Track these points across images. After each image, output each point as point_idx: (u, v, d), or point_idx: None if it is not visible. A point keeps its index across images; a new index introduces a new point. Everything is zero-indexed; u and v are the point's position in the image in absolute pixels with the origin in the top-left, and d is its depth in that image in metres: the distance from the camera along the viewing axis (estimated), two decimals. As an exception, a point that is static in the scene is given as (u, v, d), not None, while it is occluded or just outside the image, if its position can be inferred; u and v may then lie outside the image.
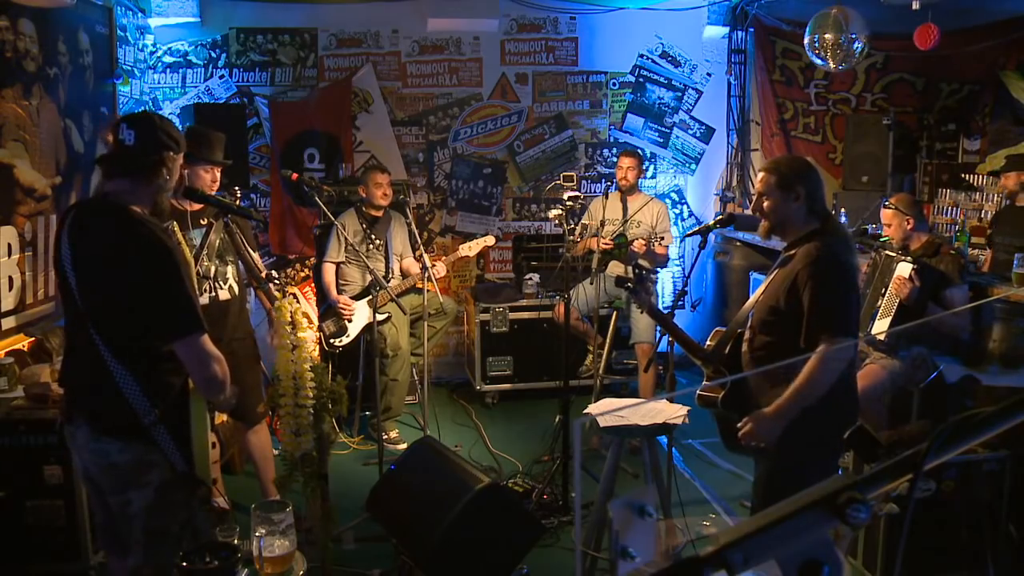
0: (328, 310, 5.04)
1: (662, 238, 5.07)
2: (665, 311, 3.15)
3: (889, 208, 4.05)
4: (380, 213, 5.14)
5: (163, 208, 2.44)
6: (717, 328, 3.00)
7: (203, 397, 2.40)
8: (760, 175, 2.74)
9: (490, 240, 5.22)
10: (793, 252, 2.65)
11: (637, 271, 3.14)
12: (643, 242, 4.90)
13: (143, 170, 2.34)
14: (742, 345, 2.78)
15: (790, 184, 2.63)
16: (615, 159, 5.79)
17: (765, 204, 2.68)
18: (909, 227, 4.00)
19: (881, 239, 4.23)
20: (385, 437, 4.98)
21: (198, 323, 2.25)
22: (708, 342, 2.96)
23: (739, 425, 2.63)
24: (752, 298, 2.85)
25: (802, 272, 2.55)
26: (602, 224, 5.22)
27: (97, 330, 2.25)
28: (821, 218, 2.66)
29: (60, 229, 2.35)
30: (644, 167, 5.22)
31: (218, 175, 3.62)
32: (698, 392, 2.86)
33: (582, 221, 5.26)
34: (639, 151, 5.42)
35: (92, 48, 4.74)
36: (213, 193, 3.56)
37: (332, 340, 4.98)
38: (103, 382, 2.24)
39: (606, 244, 4.92)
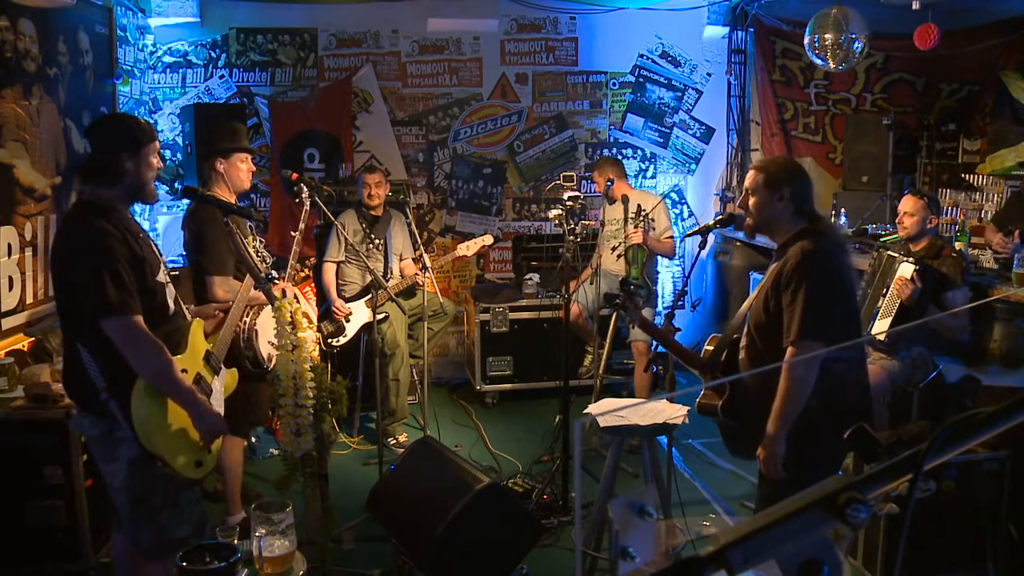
0: (327, 311, 5.05)
1: (652, 220, 5.01)
2: (665, 311, 3.15)
3: (920, 199, 3.97)
4: (380, 212, 5.13)
5: (144, 197, 2.56)
6: (713, 334, 2.99)
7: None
8: (749, 173, 2.74)
9: (488, 239, 5.19)
10: (785, 252, 2.63)
11: (626, 287, 3.15)
12: (633, 230, 4.84)
13: (102, 176, 2.47)
14: (739, 352, 2.77)
15: (777, 184, 2.62)
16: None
17: (751, 202, 2.68)
18: (931, 225, 3.97)
19: (887, 237, 4.21)
20: (394, 441, 4.98)
21: (116, 305, 2.34)
22: (706, 347, 2.95)
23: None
24: (747, 302, 2.84)
25: (787, 269, 2.53)
26: (602, 225, 5.23)
27: (61, 317, 2.52)
28: (809, 219, 2.64)
29: None
30: (620, 168, 5.19)
31: (252, 164, 3.75)
32: (697, 400, 2.86)
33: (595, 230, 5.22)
34: (605, 158, 5.39)
35: (92, 48, 4.74)
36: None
37: (330, 340, 4.98)
38: (72, 361, 2.47)
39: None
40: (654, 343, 4.88)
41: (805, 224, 2.63)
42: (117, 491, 2.50)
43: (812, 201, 2.67)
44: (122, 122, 2.61)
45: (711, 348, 2.91)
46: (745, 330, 2.73)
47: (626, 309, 3.08)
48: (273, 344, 3.00)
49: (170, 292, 2.60)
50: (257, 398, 3.62)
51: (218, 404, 2.75)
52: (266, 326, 3.48)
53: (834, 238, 2.68)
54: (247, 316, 3.53)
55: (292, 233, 3.73)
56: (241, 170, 3.64)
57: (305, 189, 3.88)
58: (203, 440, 2.57)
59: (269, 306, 3.09)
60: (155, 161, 2.53)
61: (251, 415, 3.64)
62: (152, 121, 5.66)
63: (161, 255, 2.64)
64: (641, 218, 4.86)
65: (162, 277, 2.57)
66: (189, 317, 2.75)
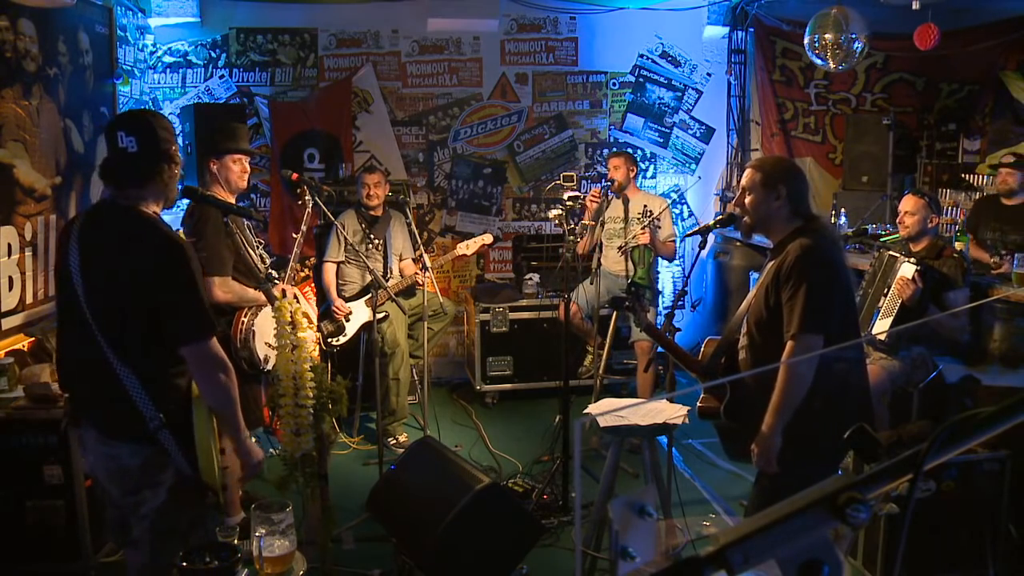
0: (327, 310, 5.05)
1: (658, 219, 5.01)
2: (665, 311, 3.15)
3: (921, 199, 3.97)
4: (379, 212, 5.13)
5: (172, 200, 2.45)
6: (709, 338, 2.99)
7: (207, 406, 2.36)
8: (746, 171, 2.74)
9: (488, 238, 5.20)
10: (782, 250, 2.63)
11: (633, 289, 3.16)
12: (641, 231, 4.85)
13: (153, 175, 2.32)
14: (738, 353, 2.77)
15: (773, 183, 2.62)
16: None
17: (747, 200, 2.68)
18: (931, 225, 3.98)
19: (888, 237, 4.21)
20: (394, 441, 4.97)
21: (209, 327, 2.25)
22: (703, 350, 2.95)
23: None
24: (744, 303, 2.84)
25: (787, 265, 2.54)
26: (602, 224, 5.22)
27: (104, 335, 2.23)
28: (805, 218, 2.65)
29: (66, 236, 2.32)
30: (636, 165, 5.21)
31: (247, 165, 3.70)
32: (698, 404, 2.85)
33: (582, 221, 5.23)
34: (626, 151, 5.43)
35: (92, 48, 4.74)
36: (243, 184, 3.69)
37: (330, 339, 4.98)
38: (110, 386, 2.23)
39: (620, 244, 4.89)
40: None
41: (801, 223, 2.63)
42: (143, 518, 2.33)
43: (808, 200, 2.68)
44: (164, 117, 2.44)
45: (708, 351, 2.90)
46: (744, 329, 2.73)
47: (635, 312, 3.08)
48: (271, 345, 3.00)
49: None
50: (253, 400, 3.62)
51: None
52: (264, 327, 3.48)
53: (831, 236, 2.69)
54: (245, 316, 3.52)
55: (293, 235, 3.72)
56: (233, 171, 3.61)
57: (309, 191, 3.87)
58: (244, 473, 2.51)
59: (267, 307, 3.07)
60: (179, 161, 2.42)
61: (247, 417, 3.64)
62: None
63: None
64: (648, 219, 4.87)
65: None
66: None
